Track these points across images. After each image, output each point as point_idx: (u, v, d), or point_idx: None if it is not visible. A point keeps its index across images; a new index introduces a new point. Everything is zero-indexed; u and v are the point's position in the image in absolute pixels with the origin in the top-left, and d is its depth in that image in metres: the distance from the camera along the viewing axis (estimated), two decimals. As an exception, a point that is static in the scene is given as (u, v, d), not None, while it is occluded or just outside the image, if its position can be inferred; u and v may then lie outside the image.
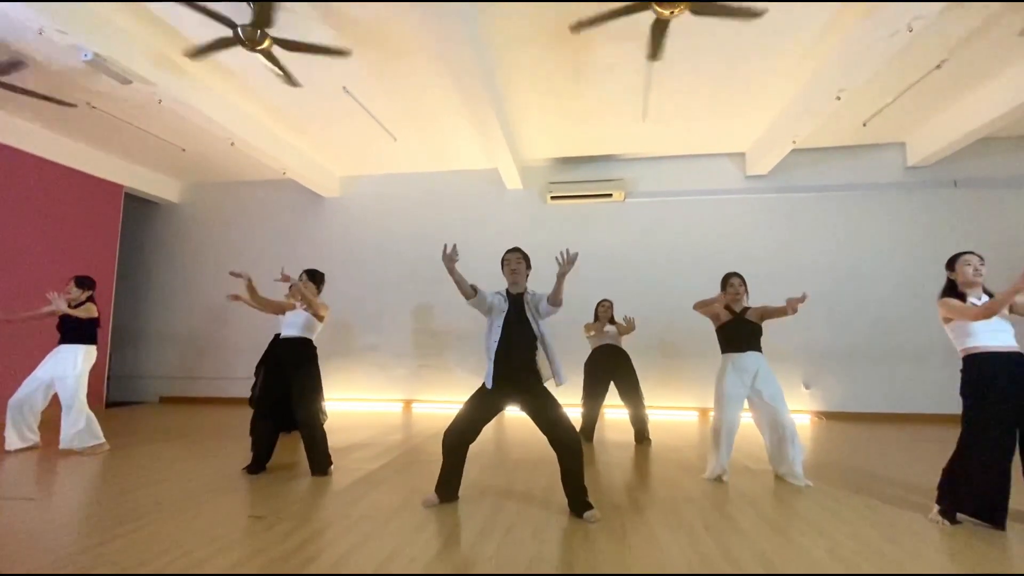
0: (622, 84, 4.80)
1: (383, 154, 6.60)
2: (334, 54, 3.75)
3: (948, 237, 5.93)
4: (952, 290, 2.64)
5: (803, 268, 6.15)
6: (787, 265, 6.18)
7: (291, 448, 4.02)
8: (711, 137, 6.05)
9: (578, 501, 2.51)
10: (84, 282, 4.19)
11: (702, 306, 3.49)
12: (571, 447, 2.52)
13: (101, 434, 4.01)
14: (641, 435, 4.39)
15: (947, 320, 2.60)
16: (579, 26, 3.45)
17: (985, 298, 2.55)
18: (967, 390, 2.48)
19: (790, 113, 5.08)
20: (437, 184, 7.14)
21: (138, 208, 7.53)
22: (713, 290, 3.51)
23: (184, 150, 6.36)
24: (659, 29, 3.43)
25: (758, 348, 3.27)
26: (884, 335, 5.91)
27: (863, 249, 6.09)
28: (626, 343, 4.65)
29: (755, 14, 3.26)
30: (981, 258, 2.62)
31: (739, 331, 3.28)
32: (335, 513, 2.58)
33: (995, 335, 2.45)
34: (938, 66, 4.39)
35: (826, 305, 6.07)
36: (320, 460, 3.32)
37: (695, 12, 3.25)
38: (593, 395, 4.45)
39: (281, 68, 4.00)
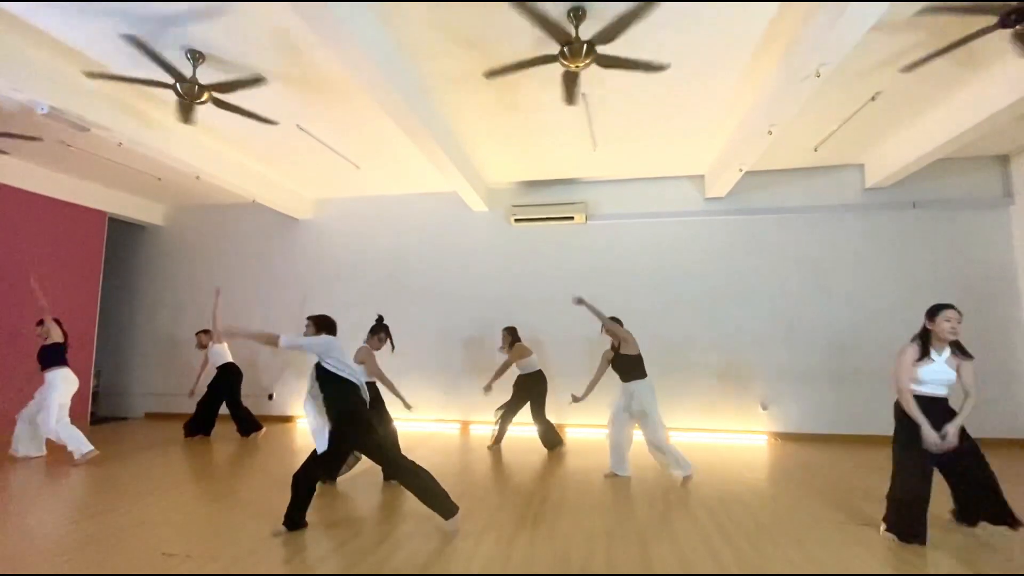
0: (564, 118, 4.90)
1: (350, 180, 6.78)
2: (264, 121, 3.92)
3: (907, 258, 5.93)
4: (923, 338, 2.86)
5: (762, 289, 6.18)
6: (746, 286, 6.22)
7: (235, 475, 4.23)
8: (669, 160, 6.10)
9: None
10: None
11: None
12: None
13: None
14: (554, 444, 5.31)
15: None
16: (493, 73, 3.56)
17: (947, 352, 2.83)
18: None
19: (733, 142, 5.13)
20: (406, 206, 7.31)
21: (125, 231, 7.85)
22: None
23: (160, 179, 6.62)
24: (570, 78, 3.53)
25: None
26: (842, 357, 5.91)
27: (822, 270, 6.10)
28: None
29: (659, 68, 3.34)
30: (960, 315, 2.79)
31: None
32: (244, 550, 2.76)
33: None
34: (872, 98, 4.41)
35: (785, 326, 6.10)
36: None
37: (602, 65, 3.34)
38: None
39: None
